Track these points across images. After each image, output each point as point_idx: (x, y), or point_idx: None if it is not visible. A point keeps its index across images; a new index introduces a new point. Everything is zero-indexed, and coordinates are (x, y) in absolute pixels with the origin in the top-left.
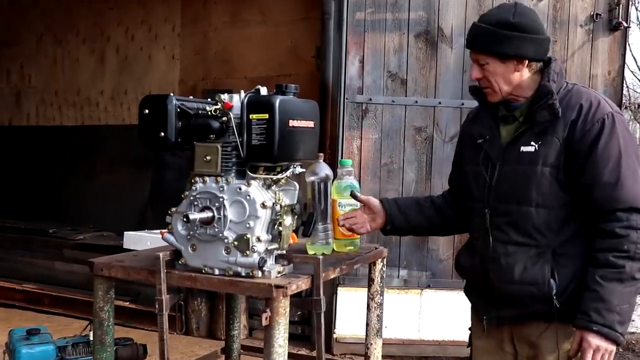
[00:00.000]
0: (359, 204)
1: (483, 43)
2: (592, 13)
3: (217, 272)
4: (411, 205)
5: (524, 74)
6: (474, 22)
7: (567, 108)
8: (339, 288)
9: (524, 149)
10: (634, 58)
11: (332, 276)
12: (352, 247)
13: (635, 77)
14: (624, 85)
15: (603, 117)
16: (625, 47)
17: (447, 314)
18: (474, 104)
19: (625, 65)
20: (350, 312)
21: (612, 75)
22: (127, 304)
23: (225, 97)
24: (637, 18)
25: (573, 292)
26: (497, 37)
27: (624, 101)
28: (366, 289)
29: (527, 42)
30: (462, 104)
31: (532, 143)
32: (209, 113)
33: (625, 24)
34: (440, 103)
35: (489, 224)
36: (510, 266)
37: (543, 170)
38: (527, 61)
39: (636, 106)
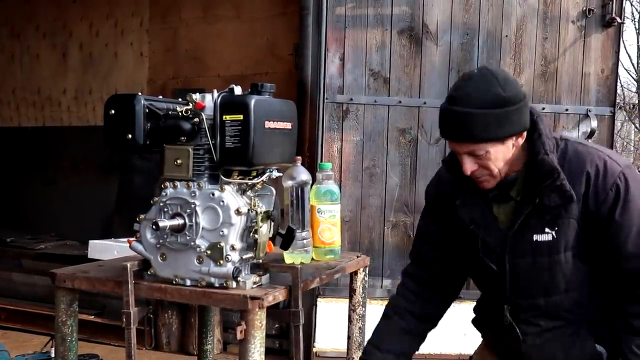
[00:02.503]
0: (337, 209)
1: (481, 132)
2: (584, 8)
3: (188, 282)
4: (404, 341)
5: (518, 146)
6: (447, 108)
7: (573, 181)
8: (318, 299)
9: (538, 238)
10: (629, 55)
11: (312, 286)
12: (332, 256)
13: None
14: (618, 84)
15: (616, 183)
16: (619, 44)
17: None
18: None
19: (620, 63)
20: (330, 325)
21: (605, 73)
22: (92, 317)
23: (197, 96)
24: (632, 13)
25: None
26: (497, 120)
27: (618, 101)
28: (347, 300)
29: (523, 112)
30: None
31: (547, 230)
32: (180, 114)
33: (619, 20)
34: (425, 103)
35: (512, 320)
36: (552, 352)
37: (567, 257)
38: (525, 132)
39: (631, 106)
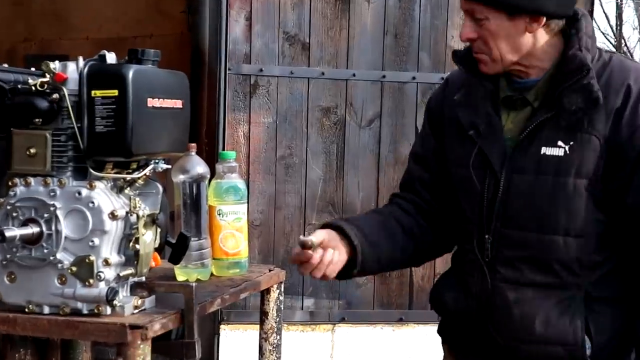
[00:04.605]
0: (244, 210)
1: None
2: None
3: (47, 310)
4: (380, 234)
5: (539, 37)
6: None
7: (608, 90)
8: (222, 326)
9: (546, 151)
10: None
11: (211, 310)
12: (237, 270)
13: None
14: None
15: None
16: (593, 1)
17: (368, 356)
18: (399, 76)
19: (594, 23)
20: (237, 358)
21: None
22: None
23: (56, 65)
24: None
25: (615, 352)
26: None
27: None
28: (258, 326)
29: None
30: (384, 76)
31: (560, 143)
32: (33, 88)
33: None
34: (354, 75)
35: (491, 257)
36: (527, 318)
37: (577, 184)
38: (544, 18)
39: None
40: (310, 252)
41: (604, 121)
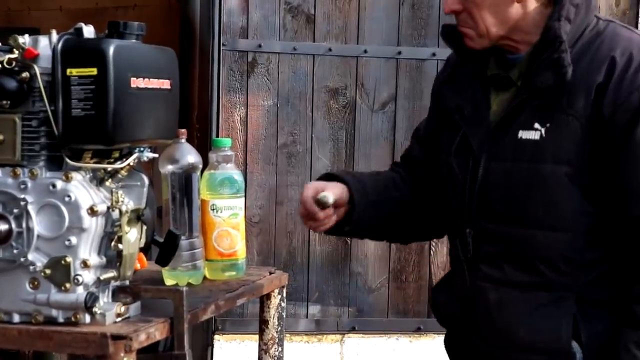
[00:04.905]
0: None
1: None
2: None
3: (17, 318)
4: (380, 196)
5: (529, 6)
6: None
7: (591, 64)
8: (216, 336)
9: (523, 134)
10: None
11: (204, 318)
12: (233, 273)
13: None
14: None
15: None
16: None
17: None
18: (417, 52)
19: None
20: None
21: (621, 6)
22: None
23: (26, 40)
24: None
25: None
26: None
27: None
28: (257, 337)
29: None
30: (399, 52)
31: (537, 126)
32: (0, 66)
33: None
34: (366, 52)
35: (473, 254)
36: (509, 322)
37: (555, 171)
38: None
39: None
40: (322, 212)
41: (584, 99)
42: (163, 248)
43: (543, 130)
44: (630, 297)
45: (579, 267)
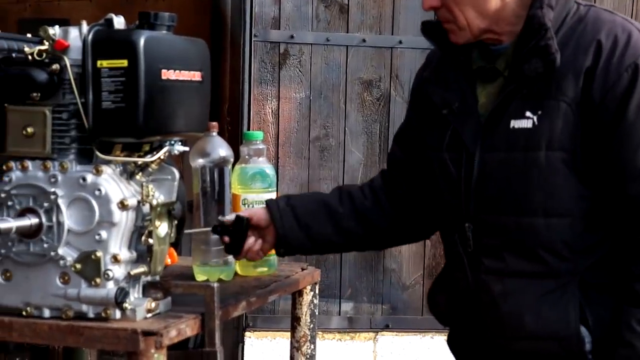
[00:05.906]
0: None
1: None
2: None
3: (47, 313)
4: (316, 212)
5: None
6: None
7: (577, 49)
8: (247, 333)
9: (515, 124)
10: None
11: (236, 314)
12: (265, 269)
13: None
14: None
15: (636, 63)
16: None
17: None
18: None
19: None
20: None
21: None
22: None
23: (56, 31)
24: None
25: None
26: None
27: None
28: (289, 334)
29: None
30: None
31: (528, 114)
32: (30, 58)
33: None
34: (400, 43)
35: (474, 248)
36: (514, 313)
37: (550, 158)
38: None
39: None
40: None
41: (573, 84)
42: (233, 235)
43: (535, 118)
44: (630, 276)
45: (580, 252)
